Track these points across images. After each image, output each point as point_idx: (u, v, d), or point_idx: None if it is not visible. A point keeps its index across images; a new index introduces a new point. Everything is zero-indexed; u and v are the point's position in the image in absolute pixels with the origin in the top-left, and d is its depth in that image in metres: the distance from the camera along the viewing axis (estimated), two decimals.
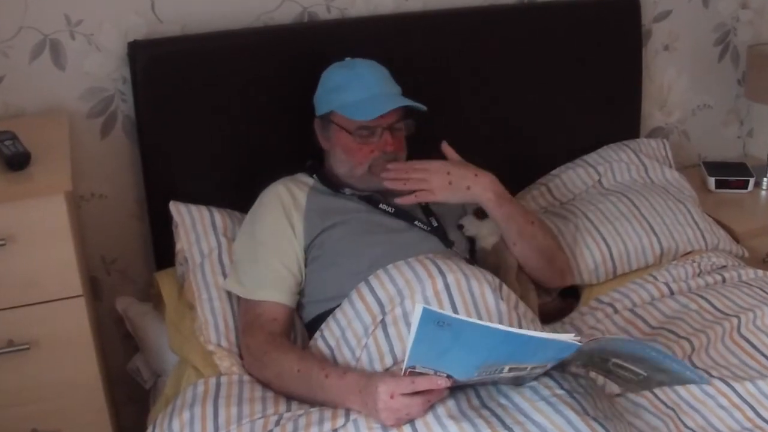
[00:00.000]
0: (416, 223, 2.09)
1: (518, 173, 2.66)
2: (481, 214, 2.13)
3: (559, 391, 1.63)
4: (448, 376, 1.60)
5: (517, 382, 1.68)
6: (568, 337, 1.51)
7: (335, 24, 2.45)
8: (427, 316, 1.46)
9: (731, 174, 2.99)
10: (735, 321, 2.02)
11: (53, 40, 2.21)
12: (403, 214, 2.09)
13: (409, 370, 1.60)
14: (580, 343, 1.51)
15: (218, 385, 1.85)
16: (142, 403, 2.30)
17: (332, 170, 2.15)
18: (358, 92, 2.06)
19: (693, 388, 1.84)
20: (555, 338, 1.51)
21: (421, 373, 1.60)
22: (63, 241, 1.87)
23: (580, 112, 2.77)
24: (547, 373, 1.69)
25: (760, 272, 2.32)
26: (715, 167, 3.04)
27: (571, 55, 2.70)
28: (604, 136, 2.81)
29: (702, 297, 2.15)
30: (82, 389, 1.99)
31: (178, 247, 2.19)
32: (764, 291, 2.16)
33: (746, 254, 2.58)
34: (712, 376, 1.87)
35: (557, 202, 2.64)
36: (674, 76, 3.04)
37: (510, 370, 1.58)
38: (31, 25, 2.18)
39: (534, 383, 1.67)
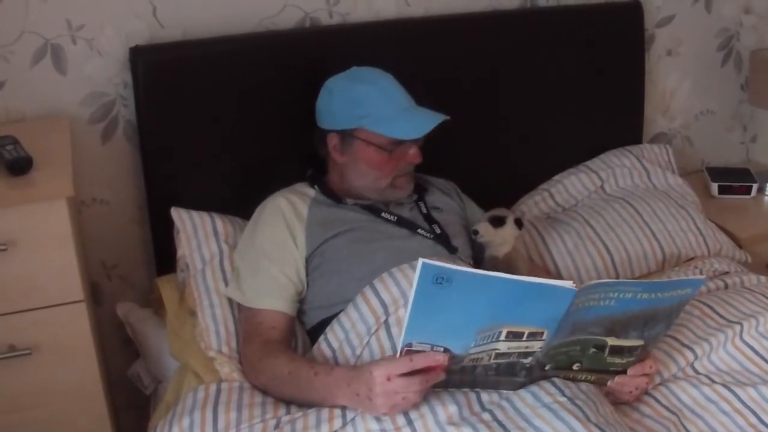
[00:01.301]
0: (419, 230, 2.10)
1: (520, 178, 2.70)
2: (496, 222, 2.14)
3: (561, 398, 1.64)
4: (446, 351, 1.60)
5: (515, 377, 1.68)
6: (567, 283, 1.53)
7: (337, 29, 2.45)
8: (426, 271, 1.48)
9: (734, 180, 2.98)
10: (737, 327, 2.01)
11: (54, 45, 2.21)
12: (405, 222, 2.11)
13: (405, 349, 1.60)
14: (576, 289, 1.53)
15: (218, 391, 1.85)
16: (143, 409, 2.30)
17: (344, 182, 2.14)
18: (386, 108, 2.06)
19: (696, 394, 1.84)
20: (552, 283, 1.54)
21: (417, 351, 1.60)
22: (64, 247, 1.87)
23: (582, 117, 2.77)
24: (548, 380, 1.69)
25: (763, 278, 2.31)
26: (718, 173, 3.04)
27: (574, 60, 2.70)
28: (607, 142, 2.81)
29: (704, 303, 2.14)
30: (83, 395, 1.99)
31: (179, 253, 2.20)
32: (767, 297, 2.15)
33: (749, 260, 2.58)
34: (714, 381, 1.87)
35: (559, 207, 2.65)
36: (677, 81, 3.03)
37: (507, 336, 1.59)
38: (33, 30, 2.18)
39: (535, 389, 1.67)
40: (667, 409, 1.84)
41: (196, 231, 2.19)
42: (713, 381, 1.88)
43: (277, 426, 1.73)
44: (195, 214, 2.22)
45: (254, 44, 2.33)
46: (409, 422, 1.64)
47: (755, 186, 2.95)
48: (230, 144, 2.31)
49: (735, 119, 3.20)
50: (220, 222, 2.22)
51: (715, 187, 2.96)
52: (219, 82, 2.26)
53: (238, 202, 2.24)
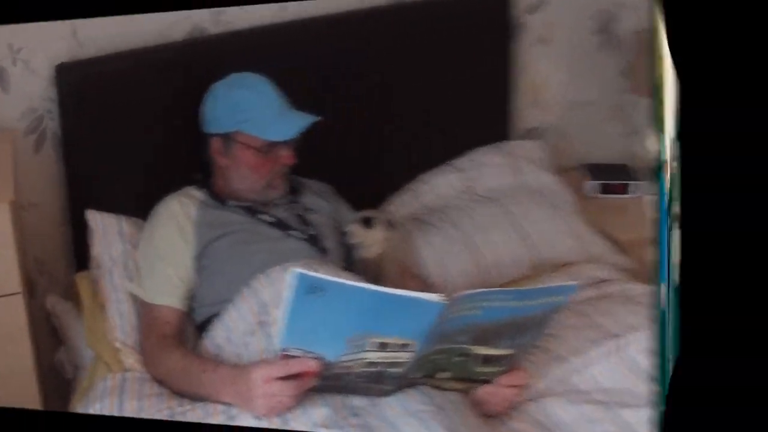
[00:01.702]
0: (291, 232, 2.18)
1: (387, 178, 2.66)
2: (367, 222, 2.19)
3: (429, 407, 1.71)
4: (319, 357, 1.67)
5: (383, 385, 1.75)
6: (434, 296, 1.57)
7: (224, 38, 2.48)
8: (301, 280, 1.55)
9: (614, 177, 2.76)
10: (621, 341, 1.91)
11: (0, 68, 2.39)
12: (279, 223, 2.19)
13: (282, 353, 1.68)
14: (444, 302, 1.56)
15: (124, 381, 1.99)
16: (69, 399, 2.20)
17: (227, 184, 2.22)
18: (263, 111, 2.14)
19: (573, 412, 1.81)
20: (419, 296, 1.58)
21: (293, 356, 1.68)
22: (6, 245, 2.02)
23: (449, 113, 2.66)
24: (417, 388, 1.77)
25: (647, 287, 1.86)
26: (596, 170, 2.81)
27: (438, 54, 2.61)
28: (475, 138, 2.69)
29: (581, 313, 2.03)
30: (17, 381, 2.10)
31: (92, 252, 2.28)
32: (650, 308, 1.69)
33: (632, 266, 2.39)
34: (596, 400, 1.83)
35: (425, 208, 2.54)
36: (550, 71, 2.82)
37: (375, 346, 1.64)
38: None
39: (403, 396, 1.75)
40: (541, 425, 1.79)
41: (105, 232, 2.27)
42: (595, 399, 1.82)
43: (171, 417, 1.84)
44: (106, 216, 2.30)
45: (150, 57, 2.39)
46: (285, 422, 1.74)
47: (636, 184, 2.72)
48: (142, 152, 2.37)
49: (615, 110, 2.90)
50: (126, 224, 2.30)
51: (593, 185, 2.75)
52: (128, 95, 2.33)
53: (151, 206, 2.26)
